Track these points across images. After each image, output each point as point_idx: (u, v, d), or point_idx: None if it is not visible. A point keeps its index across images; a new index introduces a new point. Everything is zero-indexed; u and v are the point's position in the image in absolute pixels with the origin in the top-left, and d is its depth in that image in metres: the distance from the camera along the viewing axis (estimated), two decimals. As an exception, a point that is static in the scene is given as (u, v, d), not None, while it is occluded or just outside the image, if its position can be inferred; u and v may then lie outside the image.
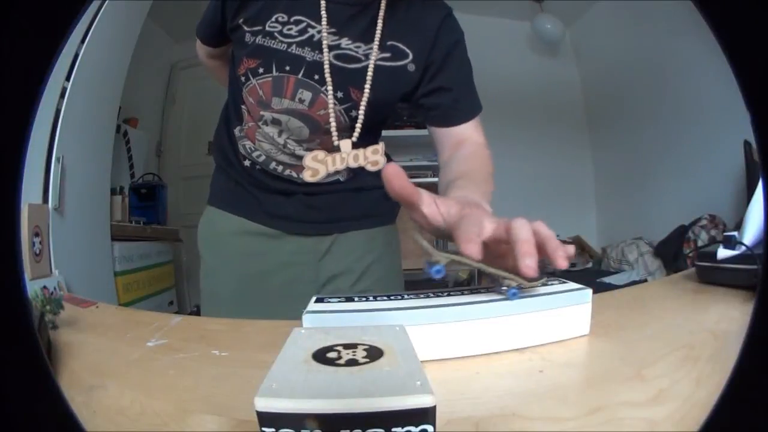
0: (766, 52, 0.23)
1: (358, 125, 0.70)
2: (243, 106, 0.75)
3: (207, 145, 2.46)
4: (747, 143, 1.98)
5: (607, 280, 2.43)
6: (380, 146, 0.68)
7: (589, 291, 0.44)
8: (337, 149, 0.68)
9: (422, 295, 0.43)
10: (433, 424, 0.21)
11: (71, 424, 0.26)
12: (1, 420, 0.24)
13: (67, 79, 1.40)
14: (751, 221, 0.57)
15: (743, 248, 0.56)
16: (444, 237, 0.46)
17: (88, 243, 1.57)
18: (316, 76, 0.68)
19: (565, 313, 0.42)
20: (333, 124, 0.68)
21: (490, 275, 0.42)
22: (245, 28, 0.69)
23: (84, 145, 1.55)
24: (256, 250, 0.80)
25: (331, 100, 0.68)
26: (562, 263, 0.37)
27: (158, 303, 2.19)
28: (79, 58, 1.44)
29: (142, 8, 1.87)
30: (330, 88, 0.68)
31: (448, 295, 0.43)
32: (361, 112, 0.69)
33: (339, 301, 0.42)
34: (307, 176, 0.67)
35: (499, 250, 0.42)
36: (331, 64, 0.67)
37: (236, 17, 0.69)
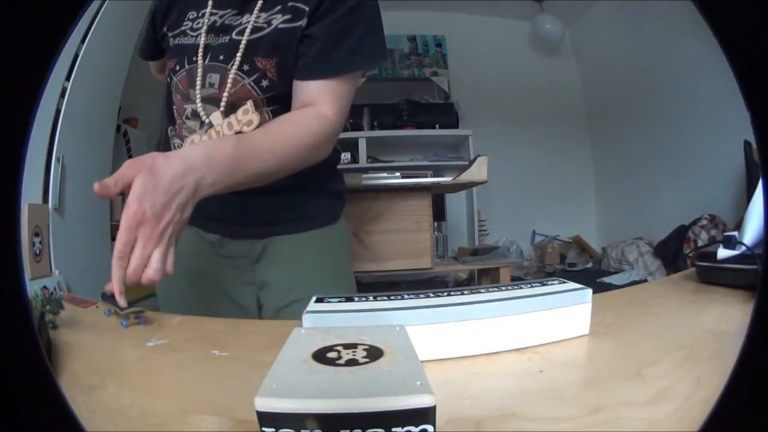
0: (766, 52, 0.23)
1: (228, 86, 0.67)
2: (173, 107, 0.76)
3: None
4: (747, 143, 1.98)
5: (607, 280, 2.44)
6: (248, 104, 0.65)
7: (589, 291, 0.43)
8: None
9: (422, 295, 0.43)
10: (433, 424, 0.21)
11: (71, 424, 0.26)
12: (2, 420, 0.24)
13: (67, 79, 1.40)
14: (751, 221, 0.57)
15: (743, 248, 0.56)
16: None
17: (88, 243, 1.57)
18: (221, 57, 0.69)
19: (565, 312, 0.42)
20: (195, 89, 0.68)
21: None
22: (169, 34, 0.73)
23: (84, 145, 1.55)
24: (197, 251, 0.78)
25: (199, 64, 0.68)
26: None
27: (158, 303, 2.19)
28: (79, 58, 1.44)
29: (142, 8, 1.87)
30: (199, 58, 0.68)
31: (448, 295, 0.43)
32: (232, 71, 0.67)
33: (339, 301, 0.42)
34: None
35: None
36: (233, 42, 0.68)
37: (162, 27, 0.73)
